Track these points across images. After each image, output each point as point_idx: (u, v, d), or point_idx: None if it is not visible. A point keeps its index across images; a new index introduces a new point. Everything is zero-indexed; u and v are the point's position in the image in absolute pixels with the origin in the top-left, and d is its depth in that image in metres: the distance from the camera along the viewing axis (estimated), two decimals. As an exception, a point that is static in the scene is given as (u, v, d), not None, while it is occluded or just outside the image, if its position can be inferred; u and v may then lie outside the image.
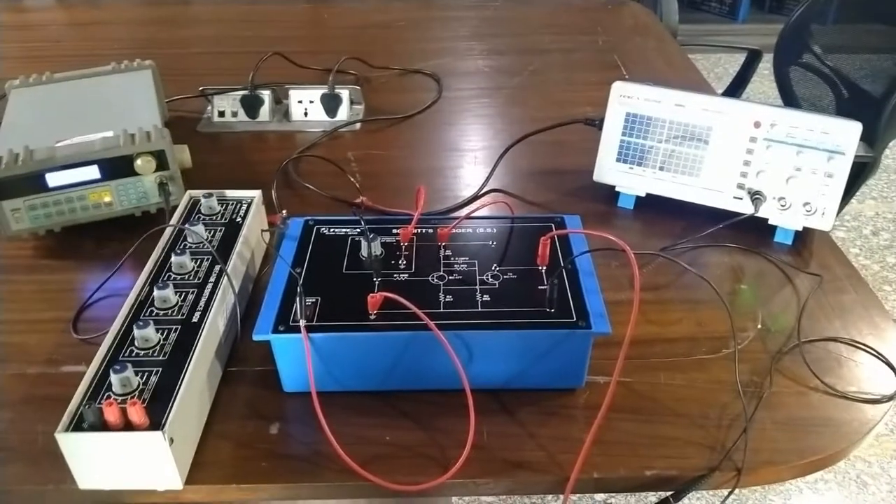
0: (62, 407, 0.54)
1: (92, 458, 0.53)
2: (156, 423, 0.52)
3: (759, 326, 0.70)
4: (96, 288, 0.74)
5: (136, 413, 0.51)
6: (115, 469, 0.53)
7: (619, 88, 0.84)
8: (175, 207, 0.77)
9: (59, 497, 0.58)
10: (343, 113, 1.09)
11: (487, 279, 0.65)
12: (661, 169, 0.84)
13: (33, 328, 0.71)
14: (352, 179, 0.94)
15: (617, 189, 0.87)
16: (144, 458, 0.52)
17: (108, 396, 0.54)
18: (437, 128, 1.09)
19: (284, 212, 0.71)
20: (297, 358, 0.60)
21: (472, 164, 0.99)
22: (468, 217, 0.73)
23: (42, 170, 0.78)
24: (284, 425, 0.60)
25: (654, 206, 0.85)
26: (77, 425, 0.52)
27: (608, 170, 0.87)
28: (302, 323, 0.59)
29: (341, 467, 0.55)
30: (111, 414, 0.51)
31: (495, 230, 0.72)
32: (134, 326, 0.59)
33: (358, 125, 1.08)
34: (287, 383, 0.62)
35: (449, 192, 0.92)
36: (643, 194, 0.86)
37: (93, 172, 0.79)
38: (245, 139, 1.06)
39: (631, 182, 0.86)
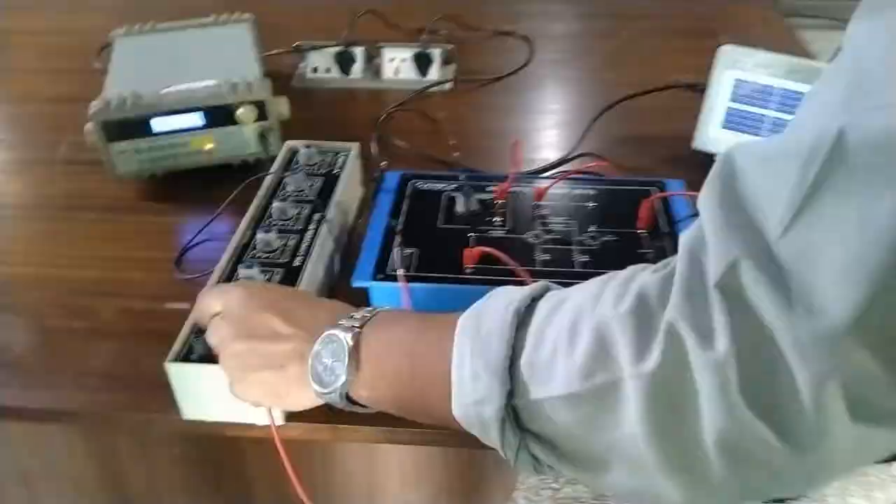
0: (167, 341, 0.56)
1: (198, 389, 0.55)
2: (261, 359, 0.53)
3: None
4: (198, 230, 0.76)
5: (243, 348, 0.53)
6: (219, 401, 0.55)
7: (727, 52, 0.81)
8: (273, 157, 0.79)
9: (163, 426, 0.61)
10: (434, 72, 1.08)
11: (585, 240, 0.64)
12: (767, 138, 0.81)
13: (137, 266, 0.74)
14: (446, 137, 0.94)
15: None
16: (248, 392, 0.54)
17: (215, 331, 0.56)
18: (528, 90, 1.07)
19: (385, 163, 0.71)
20: (393, 306, 0.60)
21: (562, 127, 0.97)
22: (565, 177, 0.72)
23: (148, 114, 0.80)
24: (379, 372, 0.61)
25: (755, 177, 0.82)
26: (186, 356, 0.54)
27: (711, 137, 0.84)
28: (401, 272, 0.59)
29: (434, 415, 0.56)
30: (219, 347, 0.53)
31: (592, 191, 0.71)
32: (240, 267, 0.60)
33: (448, 85, 1.07)
34: (382, 331, 0.63)
35: (539, 154, 0.91)
36: (746, 164, 0.83)
37: (196, 120, 0.81)
38: (337, 95, 1.06)
39: (733, 151, 0.83)
